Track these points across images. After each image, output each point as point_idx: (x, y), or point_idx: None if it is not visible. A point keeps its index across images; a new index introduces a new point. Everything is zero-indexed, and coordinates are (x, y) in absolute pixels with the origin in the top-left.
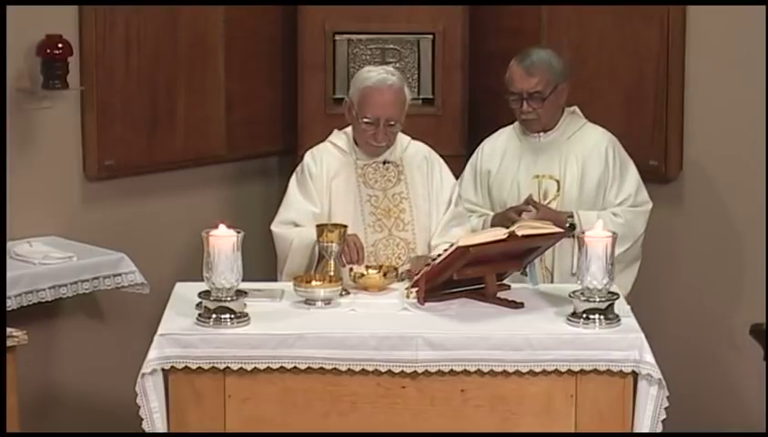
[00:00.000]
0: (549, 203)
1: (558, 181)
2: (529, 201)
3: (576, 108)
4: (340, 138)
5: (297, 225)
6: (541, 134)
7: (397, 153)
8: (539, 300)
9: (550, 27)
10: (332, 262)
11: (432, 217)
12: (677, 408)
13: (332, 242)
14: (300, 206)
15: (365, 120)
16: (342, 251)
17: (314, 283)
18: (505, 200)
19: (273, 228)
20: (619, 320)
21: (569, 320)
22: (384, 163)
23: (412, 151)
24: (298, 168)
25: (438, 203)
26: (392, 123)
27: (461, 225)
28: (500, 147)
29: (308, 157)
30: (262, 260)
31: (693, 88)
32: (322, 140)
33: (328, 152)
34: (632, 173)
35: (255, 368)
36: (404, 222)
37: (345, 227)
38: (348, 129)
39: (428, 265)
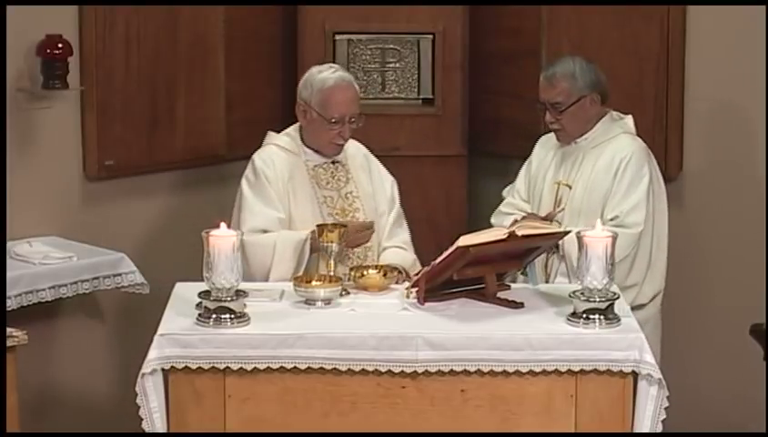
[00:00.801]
0: (561, 210)
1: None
2: (548, 217)
3: (628, 119)
4: (283, 140)
5: (266, 232)
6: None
7: (342, 152)
8: (539, 300)
9: (550, 27)
10: (332, 262)
11: (381, 214)
12: (677, 408)
13: (332, 242)
14: (264, 212)
15: (332, 120)
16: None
17: (314, 283)
18: (534, 198)
19: (245, 237)
20: (619, 321)
21: (569, 320)
22: (333, 163)
23: (353, 150)
24: (249, 174)
25: (382, 200)
26: (353, 119)
27: (402, 225)
28: (546, 145)
29: (258, 161)
30: None
31: (693, 88)
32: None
33: (276, 155)
34: (638, 192)
35: (255, 368)
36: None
37: (345, 226)
38: (290, 130)
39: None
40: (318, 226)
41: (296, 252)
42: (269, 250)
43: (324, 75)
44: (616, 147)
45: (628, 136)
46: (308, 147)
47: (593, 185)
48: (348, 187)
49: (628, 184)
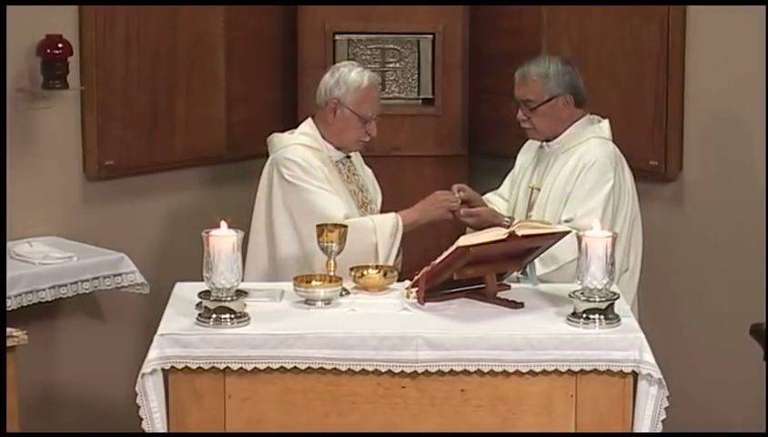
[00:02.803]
0: (532, 214)
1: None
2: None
3: (604, 123)
4: (303, 139)
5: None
6: (545, 144)
7: None
8: (539, 300)
9: (550, 27)
10: (332, 262)
11: (378, 203)
12: (677, 408)
13: (332, 242)
14: (340, 202)
15: (366, 118)
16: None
17: (314, 283)
18: (512, 202)
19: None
20: (619, 320)
21: (569, 320)
22: (347, 157)
23: None
24: (297, 174)
25: (371, 188)
26: (376, 116)
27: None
28: (528, 151)
29: (299, 160)
30: None
31: (693, 88)
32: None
33: (307, 153)
34: (597, 198)
35: (255, 368)
36: (374, 212)
37: (345, 226)
38: (305, 128)
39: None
40: (317, 226)
41: (393, 230)
42: (370, 231)
43: (357, 74)
44: (583, 151)
45: (598, 140)
46: (329, 143)
47: (556, 188)
48: (360, 179)
49: (588, 188)
